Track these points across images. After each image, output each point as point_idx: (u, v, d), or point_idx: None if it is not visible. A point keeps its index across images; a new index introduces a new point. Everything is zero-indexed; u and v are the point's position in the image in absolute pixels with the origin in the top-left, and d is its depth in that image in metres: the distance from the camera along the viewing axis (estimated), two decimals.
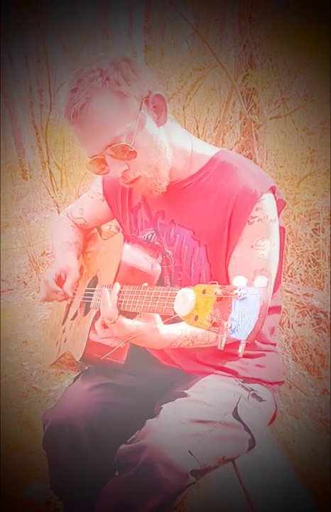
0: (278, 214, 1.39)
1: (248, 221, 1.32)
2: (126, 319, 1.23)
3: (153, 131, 1.30)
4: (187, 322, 0.96)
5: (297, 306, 3.63)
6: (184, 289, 0.99)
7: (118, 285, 1.27)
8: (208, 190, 1.39)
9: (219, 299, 0.90)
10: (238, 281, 0.91)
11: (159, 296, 1.12)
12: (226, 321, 0.87)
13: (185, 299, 0.97)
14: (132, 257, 1.40)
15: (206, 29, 4.49)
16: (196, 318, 0.93)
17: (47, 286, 1.54)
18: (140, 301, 1.18)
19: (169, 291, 1.09)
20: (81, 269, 1.66)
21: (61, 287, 1.54)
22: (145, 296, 1.17)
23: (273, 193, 1.36)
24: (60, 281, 1.56)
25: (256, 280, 0.89)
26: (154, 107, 1.30)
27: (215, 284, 0.93)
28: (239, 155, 1.48)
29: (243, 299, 0.87)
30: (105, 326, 1.29)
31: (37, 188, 6.94)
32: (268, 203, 1.34)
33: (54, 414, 1.45)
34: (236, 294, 0.87)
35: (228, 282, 1.39)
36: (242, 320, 0.86)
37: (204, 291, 0.93)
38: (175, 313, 1.02)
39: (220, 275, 1.40)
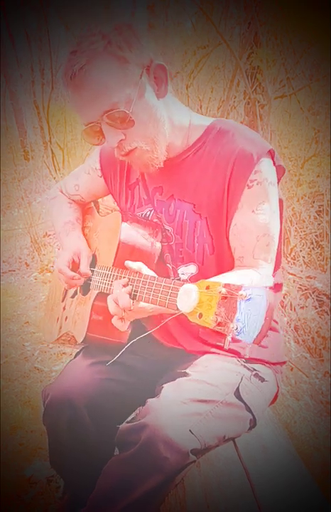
0: (278, 181, 1.37)
1: (247, 185, 1.31)
2: (143, 303, 1.19)
3: (152, 101, 1.27)
4: (191, 319, 0.95)
5: (299, 289, 3.61)
6: (186, 285, 0.98)
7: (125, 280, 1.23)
8: (206, 160, 1.37)
9: (224, 298, 0.88)
10: (264, 272, 0.90)
11: (161, 289, 1.11)
12: (232, 321, 0.86)
13: (188, 295, 0.95)
14: (131, 237, 1.38)
15: (210, 6, 4.40)
16: (200, 315, 0.92)
17: (63, 275, 1.51)
18: (143, 291, 1.17)
19: (171, 285, 1.07)
20: None
21: (76, 270, 1.50)
22: (146, 286, 1.16)
23: (272, 157, 1.34)
24: (74, 265, 1.52)
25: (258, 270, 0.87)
26: (155, 77, 1.27)
27: (219, 282, 0.91)
28: (235, 122, 1.45)
29: (248, 299, 0.86)
30: (122, 319, 1.24)
31: (39, 169, 6.92)
32: (266, 165, 1.32)
33: (54, 389, 1.44)
34: (242, 294, 0.86)
35: (230, 252, 1.38)
36: (248, 322, 0.86)
37: (207, 287, 0.92)
38: (177, 308, 1.00)
39: (222, 247, 1.39)
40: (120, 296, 1.19)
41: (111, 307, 1.22)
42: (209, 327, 0.89)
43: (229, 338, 0.88)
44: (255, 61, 3.82)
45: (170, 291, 1.07)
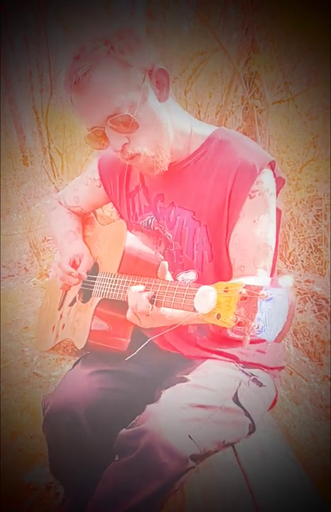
0: (277, 192, 1.38)
1: (249, 195, 1.31)
2: (163, 309, 1.16)
3: (155, 106, 1.28)
4: (209, 320, 0.95)
5: (298, 293, 3.62)
6: (204, 287, 0.98)
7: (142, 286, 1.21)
8: (207, 169, 1.37)
9: (243, 298, 0.89)
10: (262, 279, 0.91)
11: (175, 292, 1.10)
12: (253, 321, 0.87)
13: (206, 296, 0.96)
14: (135, 246, 1.39)
15: (207, 11, 4.40)
16: (218, 316, 0.92)
17: (61, 269, 1.51)
18: (156, 295, 1.16)
19: (187, 287, 1.07)
20: None
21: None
22: (158, 290, 1.16)
23: (273, 169, 1.35)
24: (74, 265, 1.53)
25: (281, 279, 0.89)
26: (157, 81, 1.27)
27: (239, 283, 0.92)
28: (237, 132, 1.46)
29: (269, 299, 0.86)
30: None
31: (38, 173, 6.93)
32: (268, 176, 1.33)
33: (54, 398, 1.44)
34: (263, 294, 0.86)
35: (229, 261, 1.39)
36: (269, 321, 0.86)
37: (226, 290, 0.93)
38: (195, 310, 1.01)
39: (221, 255, 1.39)
40: (139, 301, 1.17)
41: (129, 313, 1.22)
42: (228, 327, 0.90)
43: (248, 338, 0.89)
44: (253, 66, 3.83)
45: (185, 293, 1.07)
